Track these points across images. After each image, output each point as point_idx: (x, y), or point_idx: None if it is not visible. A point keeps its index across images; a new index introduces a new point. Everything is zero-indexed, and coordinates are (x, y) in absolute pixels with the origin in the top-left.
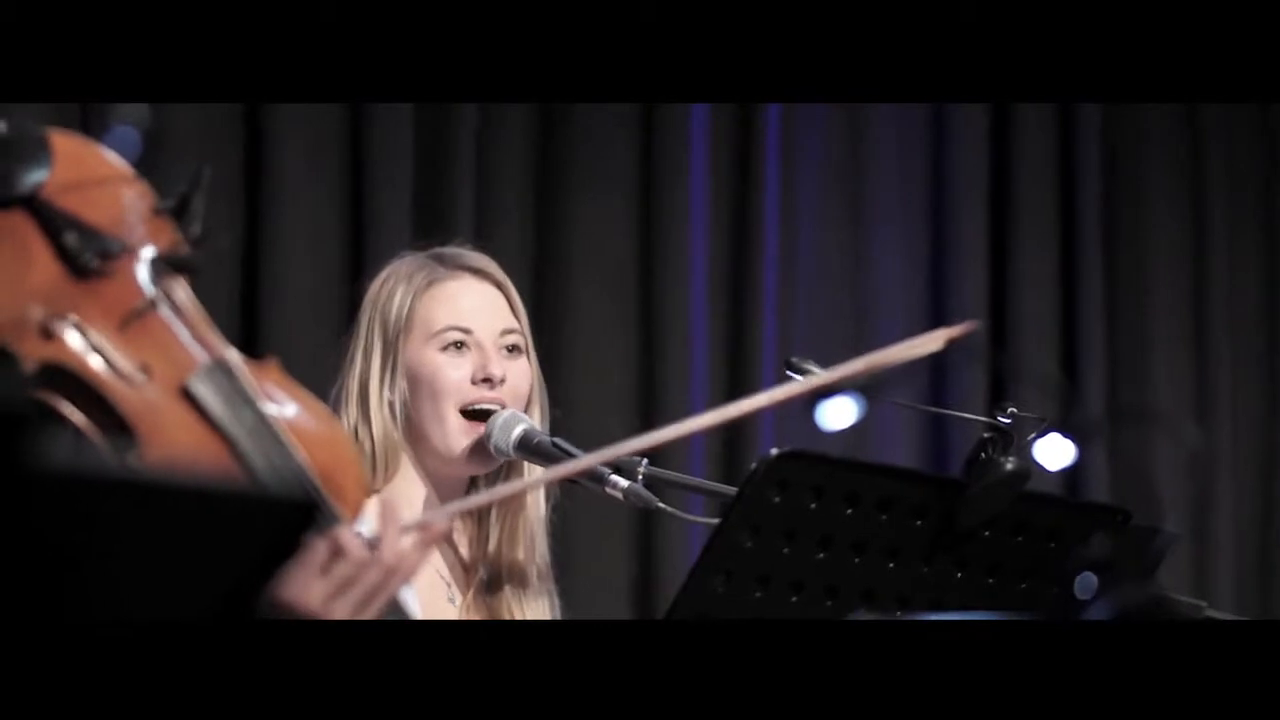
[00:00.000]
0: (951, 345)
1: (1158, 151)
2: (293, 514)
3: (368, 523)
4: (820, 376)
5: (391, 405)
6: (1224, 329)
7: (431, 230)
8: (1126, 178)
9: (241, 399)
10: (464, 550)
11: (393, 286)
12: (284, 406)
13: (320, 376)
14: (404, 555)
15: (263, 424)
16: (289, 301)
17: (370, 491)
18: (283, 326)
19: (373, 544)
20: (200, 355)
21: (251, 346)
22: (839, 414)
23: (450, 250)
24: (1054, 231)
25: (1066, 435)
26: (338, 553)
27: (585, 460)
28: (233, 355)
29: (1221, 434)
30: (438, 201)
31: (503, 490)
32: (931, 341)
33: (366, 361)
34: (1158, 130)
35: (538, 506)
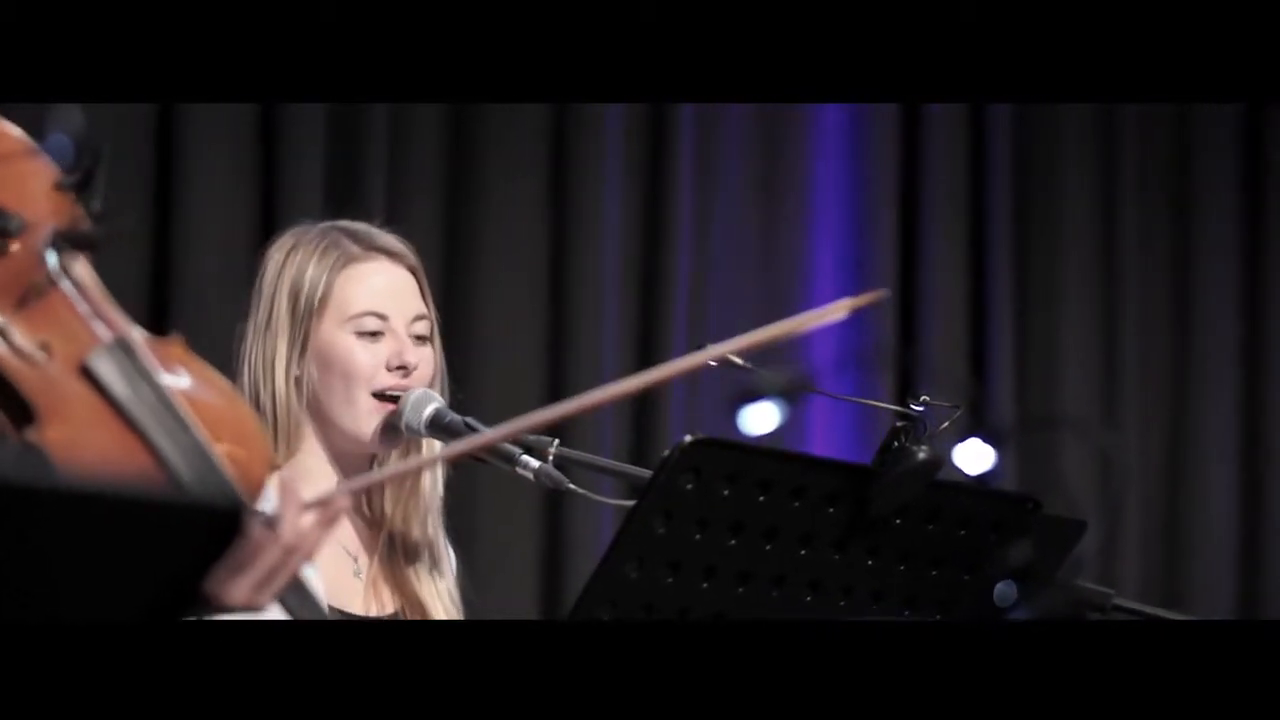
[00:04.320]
0: (855, 314)
1: (1070, 151)
2: (221, 521)
3: (268, 500)
4: (724, 346)
5: (298, 380)
6: (1133, 325)
7: (343, 210)
8: (1038, 176)
9: (142, 377)
10: (367, 522)
11: (302, 261)
12: (186, 384)
13: (230, 351)
14: (303, 534)
15: (164, 402)
16: (199, 279)
17: (273, 466)
18: (193, 304)
19: (271, 522)
20: (102, 333)
21: (161, 323)
22: (762, 418)
23: (360, 227)
24: (964, 231)
25: (986, 440)
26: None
27: (486, 436)
28: (135, 333)
29: (1129, 427)
30: (349, 180)
31: (405, 466)
32: (836, 310)
33: (271, 335)
34: (1070, 130)
35: (434, 483)
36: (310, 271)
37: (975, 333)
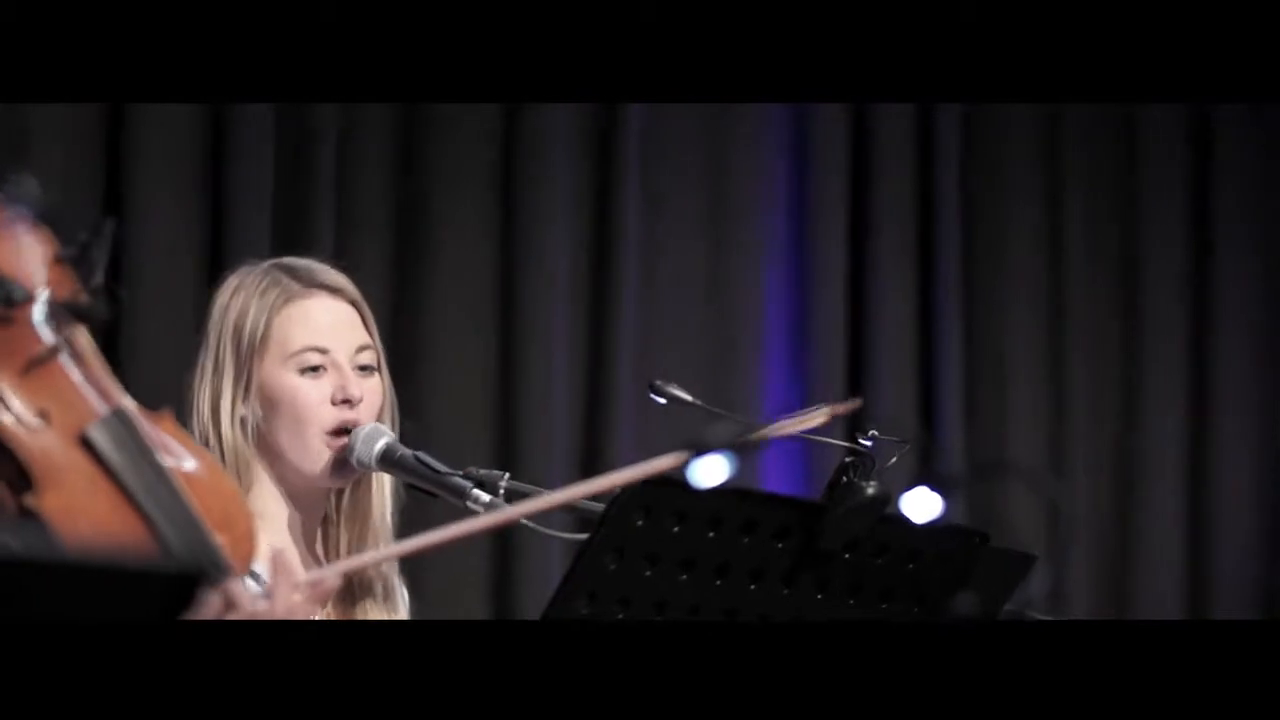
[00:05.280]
0: (834, 419)
1: (1017, 159)
2: (178, 586)
3: (260, 569)
4: (699, 447)
5: (244, 421)
6: (1080, 333)
7: (291, 237)
8: (984, 184)
9: (138, 449)
10: (321, 561)
11: (244, 301)
12: (179, 457)
13: (177, 385)
14: (294, 610)
15: (158, 474)
16: (146, 309)
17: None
18: (140, 335)
19: (264, 597)
20: (100, 403)
21: (108, 355)
22: (711, 471)
23: (301, 264)
24: (912, 246)
25: (933, 488)
26: (230, 606)
27: (472, 523)
28: (130, 405)
29: (1076, 450)
30: (297, 208)
31: (400, 548)
32: (815, 417)
33: (218, 376)
34: (1017, 135)
35: (383, 513)
36: (252, 311)
37: (924, 346)
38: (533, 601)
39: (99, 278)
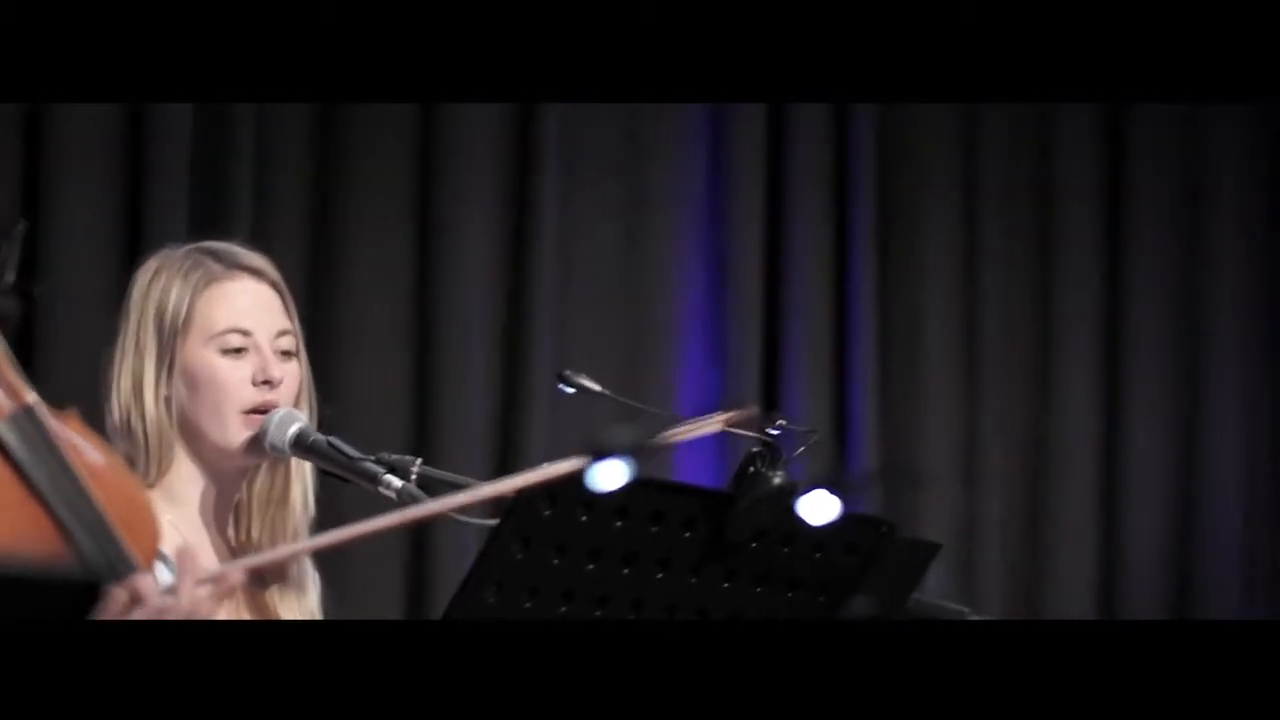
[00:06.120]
0: (730, 426)
1: (932, 156)
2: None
3: (166, 570)
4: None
5: (167, 401)
6: (994, 325)
7: (208, 228)
8: (900, 184)
9: (46, 446)
10: (232, 549)
11: (167, 282)
12: (85, 455)
13: (92, 373)
14: (199, 603)
15: (65, 470)
16: (64, 296)
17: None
18: (57, 322)
19: (170, 591)
20: (7, 402)
21: (25, 340)
22: (611, 475)
23: (223, 247)
24: (829, 239)
25: (832, 491)
26: (135, 599)
27: (389, 519)
28: (37, 402)
29: (990, 449)
30: (215, 199)
31: (306, 545)
32: (710, 424)
33: (140, 357)
34: (932, 133)
35: (304, 501)
36: (174, 292)
37: (838, 339)
38: (447, 588)
39: (9, 277)
